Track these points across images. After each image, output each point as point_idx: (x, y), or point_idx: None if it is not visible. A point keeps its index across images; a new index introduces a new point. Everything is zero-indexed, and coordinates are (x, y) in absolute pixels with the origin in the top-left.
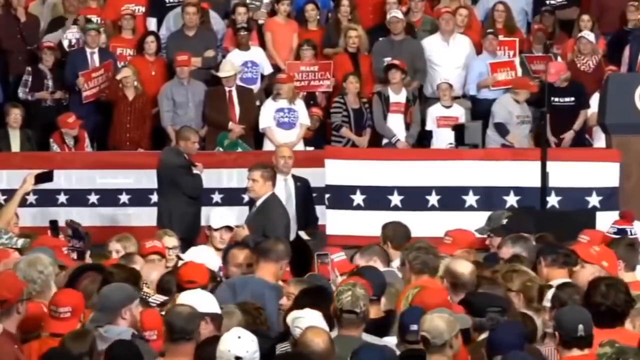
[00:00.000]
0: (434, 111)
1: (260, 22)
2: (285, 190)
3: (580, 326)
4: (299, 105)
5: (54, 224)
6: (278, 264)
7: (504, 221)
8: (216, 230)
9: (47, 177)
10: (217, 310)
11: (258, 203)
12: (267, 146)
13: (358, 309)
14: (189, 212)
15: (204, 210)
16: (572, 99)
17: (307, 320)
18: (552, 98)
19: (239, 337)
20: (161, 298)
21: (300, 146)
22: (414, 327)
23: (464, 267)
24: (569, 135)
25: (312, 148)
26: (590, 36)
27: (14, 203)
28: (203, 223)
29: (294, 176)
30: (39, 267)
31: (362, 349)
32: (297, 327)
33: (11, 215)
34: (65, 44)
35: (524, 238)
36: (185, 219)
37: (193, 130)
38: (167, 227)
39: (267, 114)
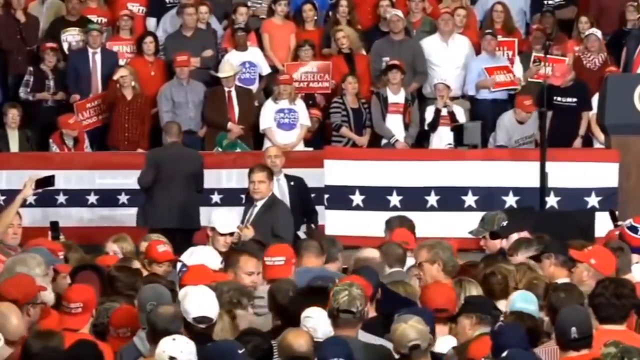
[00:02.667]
0: (431, 111)
1: (262, 16)
2: (278, 189)
3: (574, 329)
4: (299, 105)
5: (54, 225)
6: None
7: (504, 223)
8: (222, 235)
9: (47, 182)
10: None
11: (260, 203)
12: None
13: (355, 309)
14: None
15: (204, 210)
16: (575, 99)
17: (315, 321)
18: (555, 97)
19: (174, 339)
20: None
21: (300, 147)
22: None
23: (371, 252)
24: (577, 142)
25: (311, 149)
26: (599, 33)
27: (13, 208)
28: (203, 223)
29: (287, 175)
30: (23, 268)
31: (327, 341)
32: (304, 326)
33: (10, 220)
34: (65, 46)
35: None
36: (197, 209)
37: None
38: (171, 222)
39: (268, 115)
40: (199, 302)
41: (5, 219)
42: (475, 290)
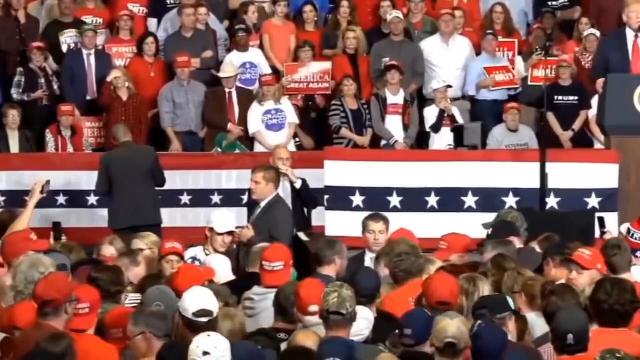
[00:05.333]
0: (431, 112)
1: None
2: (282, 191)
3: (570, 336)
4: (285, 104)
5: (57, 225)
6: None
7: (489, 231)
8: (220, 234)
9: (47, 184)
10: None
11: (263, 204)
12: (258, 149)
13: (344, 310)
14: (157, 198)
15: (205, 211)
16: (576, 97)
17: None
18: (556, 97)
19: (209, 335)
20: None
21: (291, 146)
22: (408, 331)
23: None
24: (567, 135)
25: (310, 140)
26: (598, 34)
27: (27, 214)
28: (203, 224)
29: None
30: (41, 268)
31: (328, 340)
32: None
33: (26, 226)
34: (65, 48)
35: (505, 242)
36: (156, 204)
37: None
38: (131, 221)
39: (255, 118)
40: (196, 297)
41: (22, 225)
42: (487, 288)
